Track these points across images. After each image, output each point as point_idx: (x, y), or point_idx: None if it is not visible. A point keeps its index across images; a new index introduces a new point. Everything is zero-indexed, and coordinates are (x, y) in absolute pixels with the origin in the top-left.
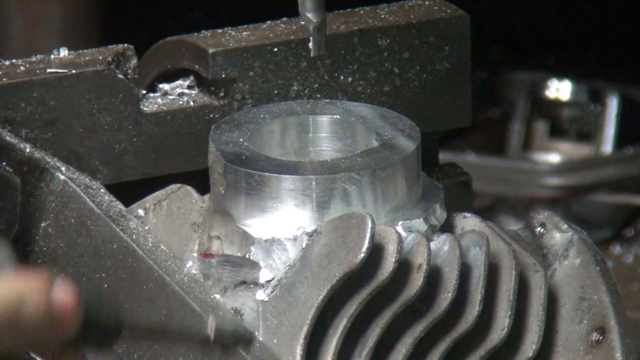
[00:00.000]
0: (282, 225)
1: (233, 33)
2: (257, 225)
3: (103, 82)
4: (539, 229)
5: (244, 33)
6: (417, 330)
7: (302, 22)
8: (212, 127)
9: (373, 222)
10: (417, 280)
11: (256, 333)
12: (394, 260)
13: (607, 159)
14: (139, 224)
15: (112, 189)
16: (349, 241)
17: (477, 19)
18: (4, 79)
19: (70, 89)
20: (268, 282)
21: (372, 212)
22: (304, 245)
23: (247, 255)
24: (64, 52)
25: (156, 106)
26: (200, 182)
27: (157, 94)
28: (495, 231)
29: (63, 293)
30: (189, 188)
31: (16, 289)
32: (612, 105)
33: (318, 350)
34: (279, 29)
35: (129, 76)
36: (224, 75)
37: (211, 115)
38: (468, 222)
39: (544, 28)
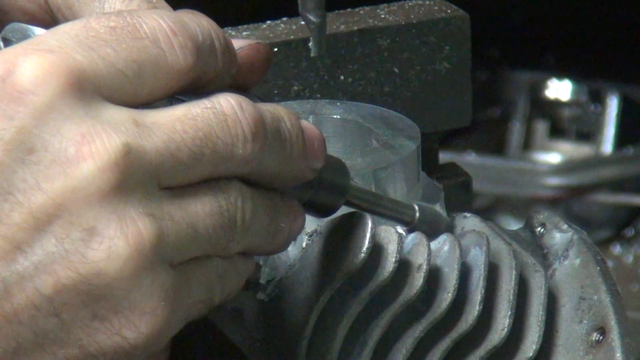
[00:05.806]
0: None
1: (233, 33)
2: None
3: None
4: (539, 229)
5: (244, 33)
6: (417, 330)
7: (302, 22)
8: None
9: (373, 222)
10: (417, 280)
11: (257, 333)
12: (394, 260)
13: (607, 159)
14: None
15: None
16: (348, 241)
17: (477, 19)
18: None
19: None
20: (268, 282)
21: None
22: (303, 245)
23: None
24: None
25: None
26: None
27: None
28: (495, 231)
29: (310, 125)
30: None
31: (274, 108)
32: (612, 105)
33: (318, 351)
34: (279, 29)
35: None
36: None
37: None
38: (468, 222)
39: (544, 28)
